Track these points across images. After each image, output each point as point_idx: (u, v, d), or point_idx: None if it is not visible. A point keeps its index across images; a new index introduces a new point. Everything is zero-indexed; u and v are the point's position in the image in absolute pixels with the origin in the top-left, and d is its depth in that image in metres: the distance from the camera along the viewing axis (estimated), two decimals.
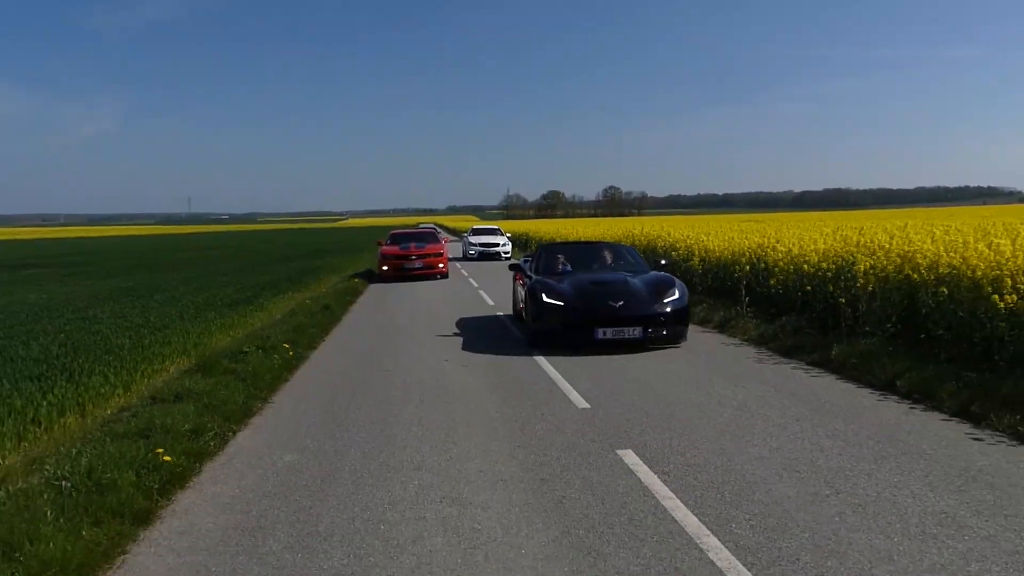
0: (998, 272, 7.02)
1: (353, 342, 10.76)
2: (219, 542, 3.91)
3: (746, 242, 13.08)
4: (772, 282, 11.10)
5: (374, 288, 19.18)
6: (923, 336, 7.99)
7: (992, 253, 7.42)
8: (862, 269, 8.68)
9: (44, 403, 6.78)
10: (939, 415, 6.10)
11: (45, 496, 4.15)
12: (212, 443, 5.55)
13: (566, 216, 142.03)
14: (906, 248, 8.70)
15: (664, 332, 9.27)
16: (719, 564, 3.47)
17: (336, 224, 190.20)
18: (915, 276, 8.25)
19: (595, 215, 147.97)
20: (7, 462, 5.38)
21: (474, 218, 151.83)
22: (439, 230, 37.67)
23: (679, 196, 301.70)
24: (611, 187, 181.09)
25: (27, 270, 34.96)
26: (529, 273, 11.01)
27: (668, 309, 9.34)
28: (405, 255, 21.17)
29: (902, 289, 8.44)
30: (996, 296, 6.78)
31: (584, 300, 9.38)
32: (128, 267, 33.26)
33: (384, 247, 22.20)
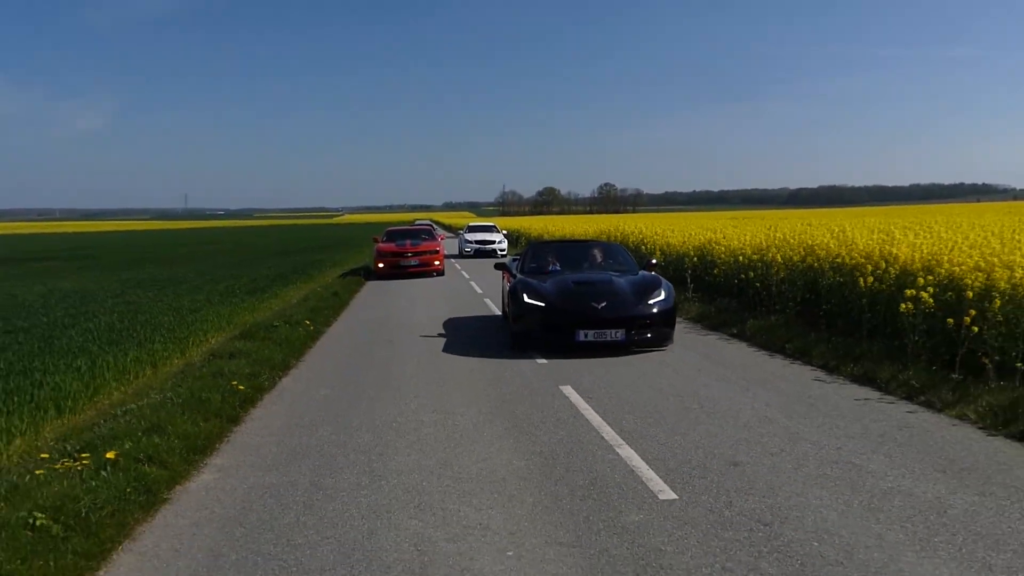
0: (863, 261, 9.10)
1: (361, 321, 12.79)
2: (287, 431, 5.97)
3: (697, 238, 15.14)
4: (715, 272, 13.20)
5: (374, 281, 21.14)
6: (821, 313, 10.08)
7: (863, 246, 9.52)
8: (775, 259, 10.77)
9: (127, 360, 8.82)
10: (808, 368, 8.17)
11: (167, 406, 6.18)
12: (266, 382, 7.61)
13: (561, 213, 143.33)
14: (809, 242, 10.80)
15: (648, 335, 9.05)
16: (606, 437, 5.53)
17: (332, 220, 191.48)
18: (816, 265, 10.34)
19: (590, 212, 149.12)
20: (116, 395, 7.44)
21: (470, 215, 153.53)
22: (435, 227, 38.57)
23: (675, 193, 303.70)
24: (606, 184, 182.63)
25: (39, 263, 36.85)
26: (515, 272, 10.81)
27: (653, 311, 9.12)
28: (401, 252, 21.20)
29: (807, 275, 10.52)
30: (861, 280, 8.85)
31: (566, 301, 9.18)
32: (136, 261, 35.16)
33: (380, 244, 22.26)
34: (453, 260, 28.44)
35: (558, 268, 10.69)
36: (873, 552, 3.60)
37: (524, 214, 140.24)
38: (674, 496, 4.35)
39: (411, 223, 47.78)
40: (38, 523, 3.65)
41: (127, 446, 4.98)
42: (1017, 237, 9.73)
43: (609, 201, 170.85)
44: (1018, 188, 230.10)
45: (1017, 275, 6.84)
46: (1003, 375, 6.50)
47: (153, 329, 11.15)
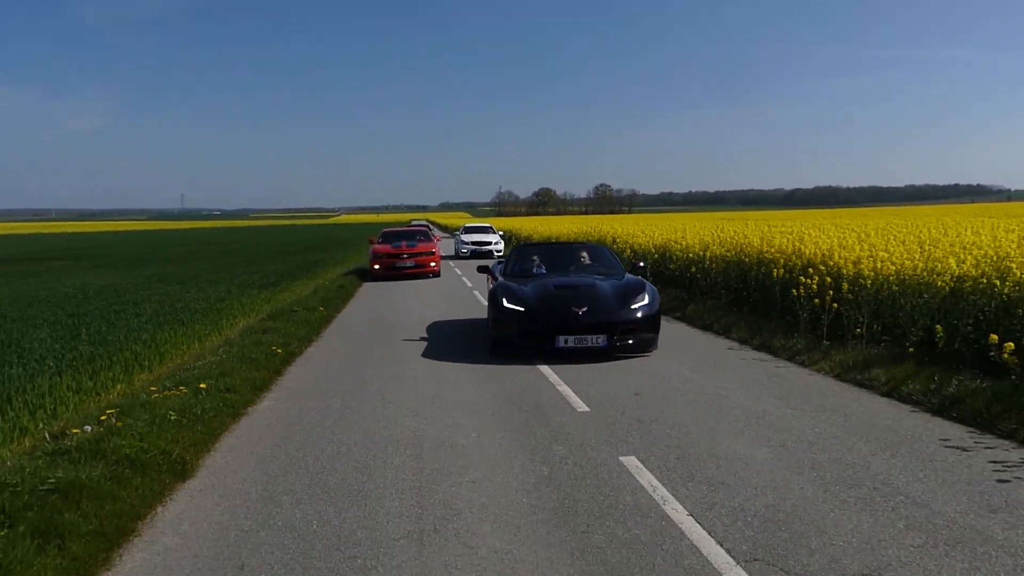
0: (778, 256, 11.20)
1: (366, 307, 14.88)
2: (318, 380, 8.07)
3: (659, 238, 17.27)
4: (672, 267, 15.31)
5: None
6: (749, 299, 12.17)
7: (780, 244, 11.62)
8: (708, 255, 12.89)
9: (177, 336, 10.88)
10: (725, 340, 10.26)
11: (226, 362, 8.24)
12: (296, 350, 9.71)
13: (557, 213, 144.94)
14: (741, 241, 12.91)
15: (630, 340, 8.89)
16: (552, 381, 7.63)
17: (329, 221, 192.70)
18: (746, 260, 12.43)
19: (586, 212, 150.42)
20: (177, 360, 9.49)
21: (467, 215, 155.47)
22: (432, 228, 37.72)
23: (671, 194, 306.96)
24: (602, 185, 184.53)
25: (54, 262, 38.59)
26: (498, 276, 10.84)
27: (636, 316, 8.97)
28: (396, 254, 21.49)
29: (740, 268, 12.60)
30: (775, 271, 10.94)
31: (546, 305, 9.04)
32: (148, 260, 37.05)
33: (376, 246, 22.51)
34: (449, 261, 29.70)
35: (543, 271, 10.66)
36: (703, 434, 5.70)
37: (520, 214, 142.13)
38: (587, 409, 6.46)
39: (408, 224, 48.24)
40: (172, 417, 5.72)
41: (210, 383, 7.05)
42: (902, 237, 11.84)
43: (605, 201, 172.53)
44: (1012, 189, 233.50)
45: (876, 265, 8.94)
46: (858, 340, 8.59)
47: (191, 314, 13.20)
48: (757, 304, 11.74)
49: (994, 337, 6.24)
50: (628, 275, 10.38)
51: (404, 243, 22.43)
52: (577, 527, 3.99)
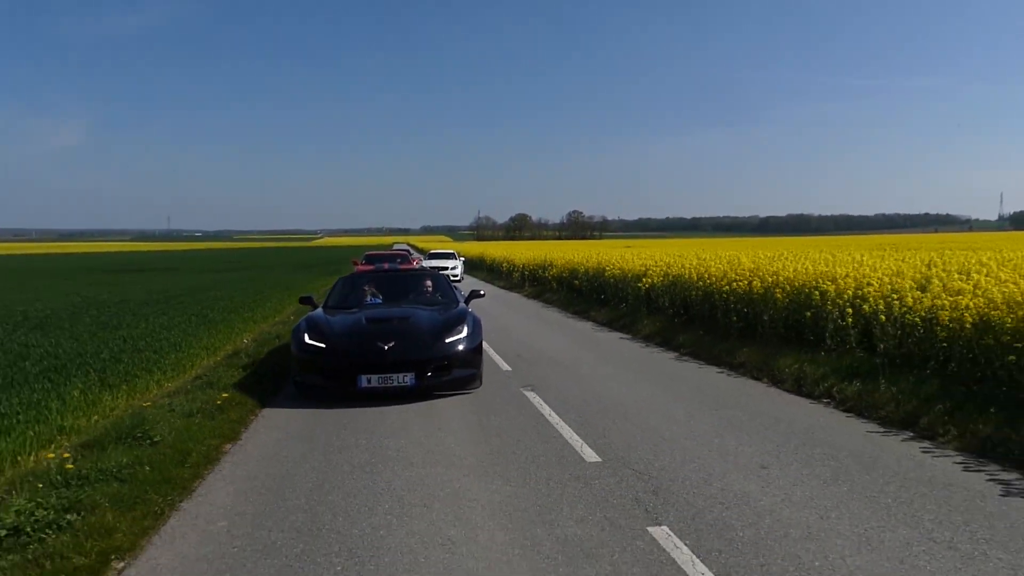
0: (723, 273, 15.10)
1: None
2: None
3: (589, 261, 21.87)
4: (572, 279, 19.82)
5: None
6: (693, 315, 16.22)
7: (717, 269, 15.83)
8: (651, 277, 17.25)
9: (237, 324, 15.09)
10: (655, 347, 13.82)
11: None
12: None
13: (532, 238, 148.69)
14: (691, 265, 17.17)
15: (444, 378, 8.20)
16: (495, 359, 11.74)
17: (311, 243, 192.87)
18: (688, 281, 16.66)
19: (559, 238, 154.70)
20: (249, 337, 13.68)
21: (447, 238, 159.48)
22: (411, 251, 41.47)
23: (648, 220, 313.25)
24: (574, 211, 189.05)
25: (125, 274, 41.61)
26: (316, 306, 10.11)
27: (452, 351, 8.32)
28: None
29: (697, 287, 16.71)
30: (715, 290, 15.02)
31: (349, 341, 8.28)
32: (206, 270, 43.44)
33: (359, 266, 23.83)
34: None
35: (379, 301, 10.18)
36: (605, 380, 10.09)
37: (498, 239, 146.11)
38: (508, 368, 10.53)
39: (390, 247, 51.32)
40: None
41: None
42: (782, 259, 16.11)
43: (577, 227, 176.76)
44: (978, 219, 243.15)
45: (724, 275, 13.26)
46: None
47: (250, 304, 17.85)
48: (697, 320, 16.08)
49: None
50: (460, 305, 9.91)
51: (385, 264, 25.03)
52: None
